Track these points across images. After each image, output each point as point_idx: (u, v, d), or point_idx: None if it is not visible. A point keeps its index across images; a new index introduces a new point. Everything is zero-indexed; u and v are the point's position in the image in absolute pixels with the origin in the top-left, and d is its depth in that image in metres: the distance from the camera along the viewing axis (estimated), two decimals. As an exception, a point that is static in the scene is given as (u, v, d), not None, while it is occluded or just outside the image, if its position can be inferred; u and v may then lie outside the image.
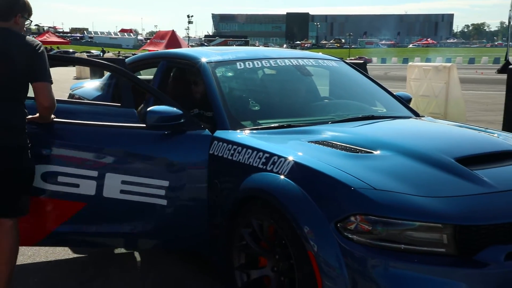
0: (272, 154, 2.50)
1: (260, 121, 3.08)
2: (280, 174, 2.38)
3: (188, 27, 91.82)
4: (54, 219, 2.90)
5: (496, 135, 2.94)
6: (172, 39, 27.15)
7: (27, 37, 2.65)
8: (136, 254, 3.61)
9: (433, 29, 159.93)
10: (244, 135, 2.85)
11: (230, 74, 3.48)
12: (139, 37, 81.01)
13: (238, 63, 3.46)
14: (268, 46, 67.79)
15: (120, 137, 2.91)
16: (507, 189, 2.20)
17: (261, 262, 2.58)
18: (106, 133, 2.90)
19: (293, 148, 2.58)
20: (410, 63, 10.59)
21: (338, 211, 2.12)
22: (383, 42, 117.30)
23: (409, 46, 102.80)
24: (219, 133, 2.90)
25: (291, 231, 2.24)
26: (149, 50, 26.64)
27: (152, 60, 4.14)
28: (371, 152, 2.47)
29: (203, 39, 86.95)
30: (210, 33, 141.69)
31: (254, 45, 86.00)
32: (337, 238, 2.08)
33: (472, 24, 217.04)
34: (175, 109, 2.86)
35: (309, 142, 2.66)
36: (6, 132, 2.54)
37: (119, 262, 3.48)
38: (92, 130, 2.89)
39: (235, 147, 2.72)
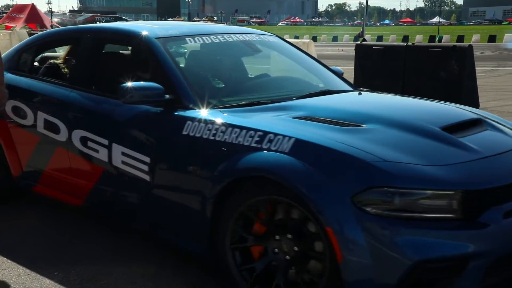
0: (266, 132, 2.43)
1: (225, 99, 2.96)
2: (282, 152, 2.32)
3: (49, 1, 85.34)
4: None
5: (450, 105, 3.17)
6: (32, 13, 25.34)
7: None
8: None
9: (300, 8, 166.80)
10: (223, 114, 2.70)
11: (183, 50, 3.36)
12: (-7, 11, 73.48)
13: (187, 39, 3.29)
14: (139, 23, 65.42)
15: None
16: (492, 154, 2.43)
17: (255, 251, 2.49)
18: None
19: (284, 125, 2.51)
20: (274, 40, 11.23)
21: (353, 185, 2.15)
22: (254, 20, 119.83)
23: (278, 24, 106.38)
24: (191, 113, 2.75)
25: (305, 209, 2.23)
26: (7, 26, 24.54)
27: (72, 35, 3.92)
28: (360, 126, 2.51)
29: (67, 14, 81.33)
30: (75, 8, 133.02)
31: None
32: (354, 212, 2.12)
33: (335, 4, 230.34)
34: (154, 85, 2.82)
35: (293, 118, 2.62)
36: None
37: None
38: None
39: (217, 127, 2.59)
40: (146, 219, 2.98)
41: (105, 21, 59.15)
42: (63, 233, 3.46)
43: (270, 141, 2.38)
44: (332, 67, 3.88)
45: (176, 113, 2.79)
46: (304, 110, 2.73)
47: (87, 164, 3.22)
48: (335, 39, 46.88)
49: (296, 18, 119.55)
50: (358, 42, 9.99)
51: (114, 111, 3.08)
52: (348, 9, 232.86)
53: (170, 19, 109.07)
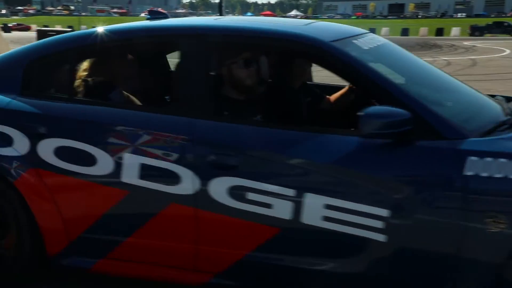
0: None
1: (468, 121, 2.30)
2: None
3: None
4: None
5: None
6: None
7: None
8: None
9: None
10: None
11: (369, 57, 2.48)
12: None
13: (354, 41, 2.53)
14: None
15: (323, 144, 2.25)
16: None
17: None
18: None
19: None
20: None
21: None
22: (115, 10, 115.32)
23: (141, 15, 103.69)
24: (469, 145, 2.09)
25: None
26: None
27: (173, 37, 2.75)
28: None
29: None
30: None
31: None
32: None
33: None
34: (400, 110, 2.10)
35: None
36: None
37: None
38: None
39: None
40: None
41: None
42: None
43: None
44: None
45: (445, 147, 2.11)
46: None
47: (238, 225, 2.32)
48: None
49: (159, 9, 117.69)
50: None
51: (303, 148, 2.25)
52: (212, 1, 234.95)
53: (19, 7, 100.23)
